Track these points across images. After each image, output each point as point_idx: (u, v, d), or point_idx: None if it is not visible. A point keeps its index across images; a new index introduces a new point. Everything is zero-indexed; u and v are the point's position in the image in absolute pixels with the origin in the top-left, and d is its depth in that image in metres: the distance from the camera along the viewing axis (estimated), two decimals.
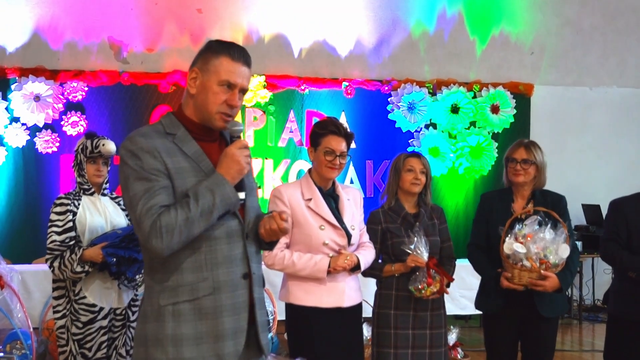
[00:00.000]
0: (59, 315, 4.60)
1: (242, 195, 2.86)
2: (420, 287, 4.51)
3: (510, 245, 4.37)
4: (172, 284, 2.80)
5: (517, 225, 4.43)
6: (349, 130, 4.38)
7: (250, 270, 2.89)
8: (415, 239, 4.49)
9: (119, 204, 4.75)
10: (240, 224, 2.89)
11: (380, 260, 4.75)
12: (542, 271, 4.38)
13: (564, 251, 4.39)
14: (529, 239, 4.36)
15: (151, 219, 2.69)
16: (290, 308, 4.33)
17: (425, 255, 4.49)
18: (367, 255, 4.41)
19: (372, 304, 4.84)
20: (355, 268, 4.30)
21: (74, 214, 4.56)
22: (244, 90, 2.92)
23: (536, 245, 4.37)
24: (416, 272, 4.54)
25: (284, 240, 4.26)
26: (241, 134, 2.93)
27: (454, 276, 4.80)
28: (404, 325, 4.62)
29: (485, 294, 4.81)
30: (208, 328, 2.79)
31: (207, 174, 2.82)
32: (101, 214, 4.64)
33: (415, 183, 4.69)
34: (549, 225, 4.39)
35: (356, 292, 4.40)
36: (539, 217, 4.43)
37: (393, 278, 4.65)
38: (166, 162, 2.77)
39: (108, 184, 4.77)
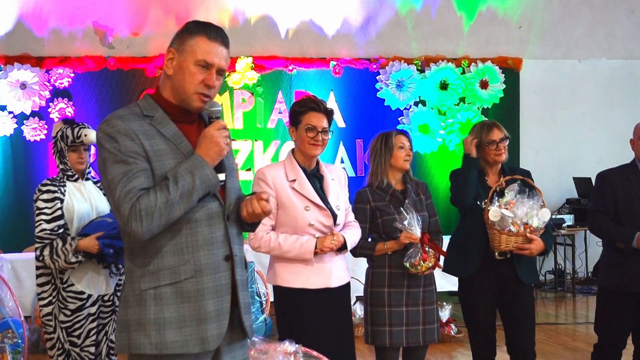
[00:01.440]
0: (44, 302, 4.57)
1: (222, 176, 2.84)
2: (416, 263, 4.51)
3: (497, 213, 4.52)
4: (153, 267, 2.78)
5: (496, 196, 4.58)
6: (328, 106, 4.35)
7: (232, 252, 2.87)
8: (408, 215, 4.48)
9: (101, 189, 4.71)
10: (220, 206, 2.87)
11: (370, 239, 4.74)
12: (527, 235, 4.54)
13: (545, 215, 4.59)
14: (511, 205, 4.52)
15: (130, 202, 2.67)
16: (278, 290, 4.31)
17: (418, 231, 4.48)
18: (353, 235, 4.38)
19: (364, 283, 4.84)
20: (342, 248, 4.29)
21: (62, 201, 4.52)
22: (221, 71, 2.88)
23: (519, 210, 4.53)
24: (410, 249, 4.54)
25: (269, 222, 4.24)
26: (220, 115, 2.90)
27: (447, 252, 4.83)
28: (398, 303, 4.62)
29: (456, 257, 4.86)
30: (191, 311, 2.77)
31: (186, 156, 2.80)
32: (87, 200, 4.60)
33: (407, 160, 4.72)
34: (527, 193, 4.56)
35: (344, 272, 4.38)
36: (517, 186, 4.58)
37: (385, 256, 4.64)
38: (144, 145, 2.74)
39: (90, 168, 4.73)
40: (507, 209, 4.51)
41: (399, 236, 4.54)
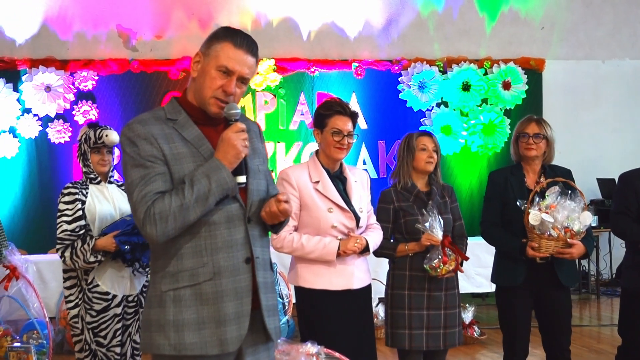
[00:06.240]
0: (71, 304, 4.62)
1: (241, 179, 2.85)
2: (435, 265, 4.49)
3: (537, 216, 4.45)
4: (173, 269, 2.81)
5: (537, 198, 4.49)
6: (353, 109, 4.36)
7: (252, 254, 2.88)
8: (430, 217, 4.47)
9: (125, 192, 4.75)
10: (241, 208, 2.87)
11: (392, 240, 4.74)
12: (568, 239, 4.47)
13: (587, 218, 4.53)
14: (552, 209, 4.45)
15: (145, 206, 2.72)
16: (299, 291, 4.33)
17: (439, 234, 4.47)
18: (375, 237, 4.39)
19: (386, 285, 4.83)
20: (364, 250, 4.29)
21: (83, 202, 4.56)
22: (243, 79, 2.89)
23: (560, 215, 4.45)
24: (431, 251, 4.52)
25: (292, 223, 4.26)
26: (239, 117, 2.89)
27: (469, 254, 4.81)
28: (418, 306, 4.60)
29: (503, 267, 4.81)
30: (210, 313, 2.79)
31: (206, 159, 2.82)
32: (109, 201, 4.64)
33: (429, 162, 4.68)
34: (569, 195, 4.47)
35: (365, 274, 4.39)
36: (558, 188, 4.51)
37: (406, 258, 4.63)
38: (163, 149, 2.78)
39: (114, 171, 4.77)
40: (547, 212, 4.44)
41: (421, 238, 4.53)
